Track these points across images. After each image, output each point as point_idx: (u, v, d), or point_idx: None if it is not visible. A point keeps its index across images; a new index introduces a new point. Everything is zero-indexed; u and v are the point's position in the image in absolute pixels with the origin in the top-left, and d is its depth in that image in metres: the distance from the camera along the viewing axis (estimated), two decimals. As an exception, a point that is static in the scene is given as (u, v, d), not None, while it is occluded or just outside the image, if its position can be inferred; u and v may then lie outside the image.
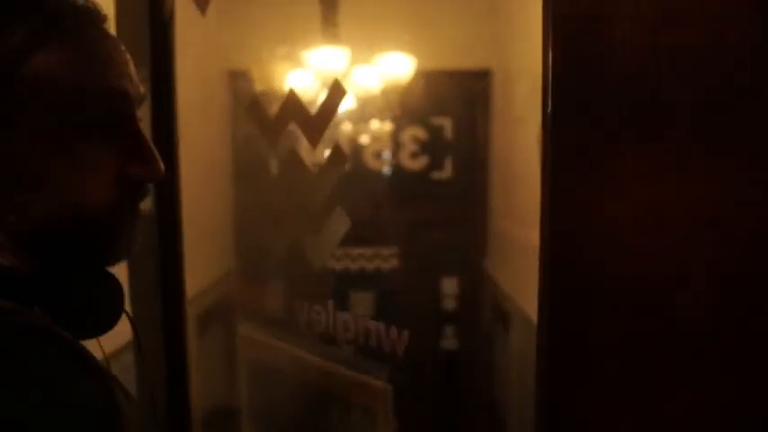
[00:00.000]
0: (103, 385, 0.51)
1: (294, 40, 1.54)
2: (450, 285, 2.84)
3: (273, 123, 1.16)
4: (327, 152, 1.23)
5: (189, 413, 1.31)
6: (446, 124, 2.75)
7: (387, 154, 2.66)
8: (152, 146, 0.61)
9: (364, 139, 2.56)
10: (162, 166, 0.61)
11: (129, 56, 0.62)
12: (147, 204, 1.25)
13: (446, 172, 2.78)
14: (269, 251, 1.42)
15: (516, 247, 2.31)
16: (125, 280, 1.31)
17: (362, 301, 2.65)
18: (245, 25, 1.27)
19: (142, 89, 0.64)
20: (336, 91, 1.09)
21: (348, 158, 1.49)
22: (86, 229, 0.59)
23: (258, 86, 1.33)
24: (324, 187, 1.12)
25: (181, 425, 1.30)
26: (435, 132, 2.73)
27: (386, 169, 2.69)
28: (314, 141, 1.10)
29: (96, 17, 0.61)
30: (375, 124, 2.50)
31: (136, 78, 0.62)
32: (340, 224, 1.10)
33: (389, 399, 1.05)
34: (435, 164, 2.75)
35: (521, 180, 2.26)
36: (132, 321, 0.71)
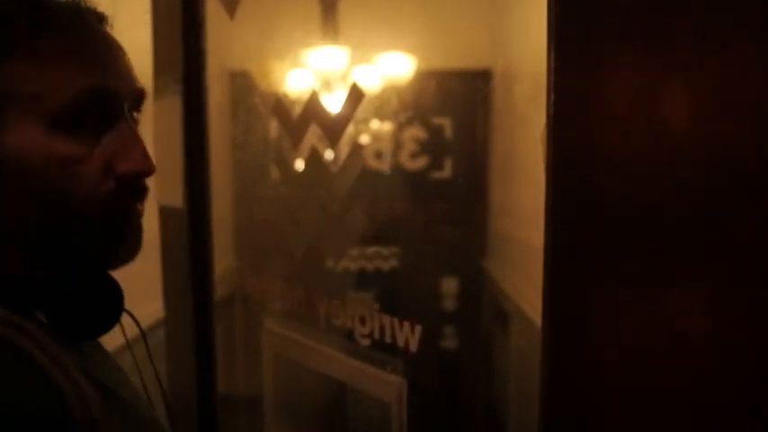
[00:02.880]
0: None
1: (294, 40, 1.54)
2: (450, 285, 2.84)
3: (296, 124, 1.19)
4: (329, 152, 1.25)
5: (215, 400, 1.37)
6: (446, 124, 2.76)
7: (387, 154, 2.66)
8: (139, 141, 0.60)
9: (364, 139, 2.56)
10: (149, 161, 0.60)
11: (122, 53, 0.63)
12: (177, 201, 1.31)
13: (446, 172, 2.78)
14: (273, 249, 1.45)
15: (516, 247, 2.31)
16: (158, 273, 1.38)
17: (362, 302, 2.65)
18: (245, 25, 1.27)
19: (138, 85, 0.63)
20: (355, 93, 1.12)
21: (364, 158, 1.54)
22: (79, 226, 0.59)
23: (258, 86, 1.35)
24: (343, 186, 1.15)
25: (208, 411, 1.36)
26: (435, 132, 2.73)
27: (386, 169, 2.69)
28: (334, 142, 1.14)
29: (86, 16, 0.61)
30: (375, 124, 2.50)
31: (128, 75, 0.62)
32: (356, 223, 1.13)
33: (404, 392, 1.08)
34: (435, 164, 2.75)
35: (521, 180, 2.26)
36: (137, 322, 0.71)
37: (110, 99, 0.59)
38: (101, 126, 0.59)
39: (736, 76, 0.65)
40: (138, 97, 0.64)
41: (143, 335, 0.72)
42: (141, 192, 0.62)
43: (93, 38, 0.61)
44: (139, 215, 0.63)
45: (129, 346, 0.70)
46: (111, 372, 0.65)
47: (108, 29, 0.64)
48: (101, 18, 0.63)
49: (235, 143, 1.70)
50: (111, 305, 0.63)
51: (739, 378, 0.67)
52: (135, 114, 0.64)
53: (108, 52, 0.61)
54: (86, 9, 0.62)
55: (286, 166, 1.34)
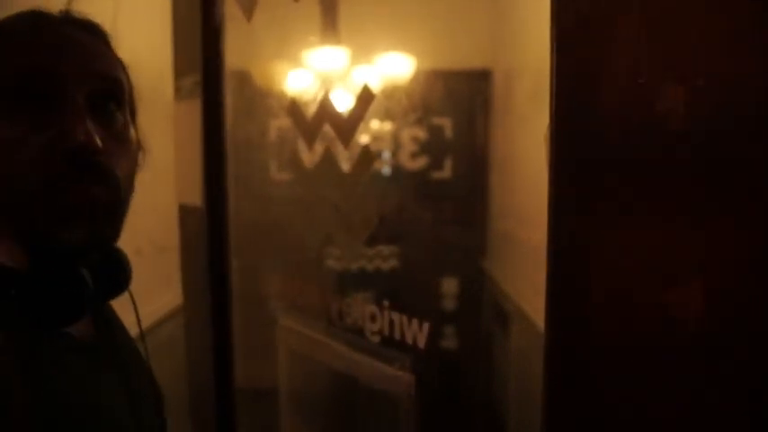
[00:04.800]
0: None
1: (294, 40, 1.54)
2: (450, 285, 2.84)
3: (310, 125, 1.20)
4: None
5: (233, 392, 1.39)
6: (446, 124, 2.76)
7: (387, 154, 2.66)
8: (83, 120, 0.59)
9: (364, 139, 2.56)
10: (91, 138, 0.59)
11: (81, 44, 0.63)
12: (196, 200, 1.31)
13: (446, 172, 2.78)
14: (276, 248, 1.47)
15: (516, 247, 2.31)
16: (160, 270, 1.40)
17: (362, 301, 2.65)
18: (245, 25, 1.27)
19: (98, 72, 0.63)
20: (365, 95, 1.13)
21: (374, 159, 1.56)
22: (20, 205, 0.58)
23: (264, 87, 1.37)
24: (354, 187, 1.17)
25: (226, 403, 1.39)
26: (435, 132, 2.73)
27: (386, 169, 2.69)
28: (346, 142, 1.16)
29: (38, 18, 0.64)
30: (375, 124, 2.50)
31: (85, 62, 0.62)
32: (368, 223, 1.15)
33: (412, 387, 1.10)
34: (435, 164, 2.75)
35: (521, 180, 2.26)
36: (98, 322, 0.70)
37: (53, 80, 0.60)
38: (46, 107, 0.59)
39: (733, 80, 0.65)
40: (108, 87, 0.63)
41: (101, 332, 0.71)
42: (91, 171, 0.60)
43: (37, 30, 0.62)
44: (91, 196, 0.60)
45: (142, 337, 0.69)
46: (72, 372, 0.62)
47: (75, 29, 0.65)
48: (49, 20, 0.65)
49: (236, 143, 1.71)
50: (72, 299, 0.61)
51: (737, 373, 0.67)
52: (111, 105, 0.63)
53: (57, 40, 0.62)
54: (40, 12, 0.64)
55: (299, 167, 1.36)
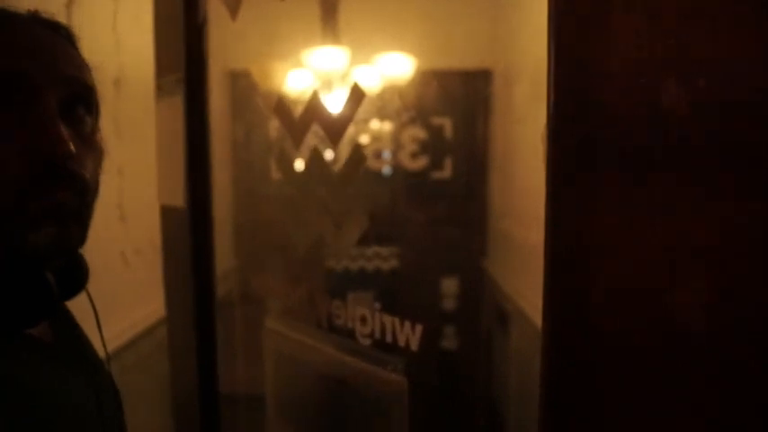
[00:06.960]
0: None
1: (294, 40, 1.54)
2: (450, 285, 2.85)
3: (298, 124, 1.19)
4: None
5: (218, 397, 1.38)
6: (446, 124, 2.76)
7: (387, 154, 2.67)
8: (55, 124, 0.59)
9: (364, 139, 2.57)
10: (63, 144, 0.58)
11: (54, 47, 0.62)
12: (179, 201, 1.29)
13: (446, 172, 2.78)
14: (275, 248, 1.46)
15: (516, 247, 2.31)
16: (159, 271, 1.38)
17: (362, 302, 2.65)
18: (245, 25, 1.27)
19: (71, 77, 0.62)
20: (356, 94, 1.12)
21: (365, 158, 1.57)
22: None
23: (259, 86, 1.35)
24: (345, 186, 1.16)
25: (210, 408, 1.37)
26: (435, 132, 2.74)
27: (386, 169, 2.70)
28: (335, 142, 1.14)
29: (8, 19, 0.63)
30: (375, 124, 2.50)
31: (58, 66, 0.62)
32: (359, 223, 1.14)
33: (405, 391, 1.08)
34: (435, 164, 2.75)
35: (521, 180, 2.26)
36: (55, 323, 0.69)
37: (27, 85, 0.59)
38: (19, 112, 0.58)
39: (735, 73, 0.65)
40: (78, 91, 0.63)
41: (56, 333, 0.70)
42: (64, 178, 0.59)
43: (8, 31, 0.61)
44: (60, 201, 0.60)
45: (107, 352, 0.68)
46: (40, 372, 0.62)
47: (45, 31, 0.64)
48: (21, 20, 0.64)
49: (235, 143, 1.71)
50: (37, 302, 0.61)
51: (741, 373, 0.67)
52: (80, 110, 0.63)
53: (30, 44, 0.61)
54: (8, 11, 0.63)
55: (288, 166, 1.34)
